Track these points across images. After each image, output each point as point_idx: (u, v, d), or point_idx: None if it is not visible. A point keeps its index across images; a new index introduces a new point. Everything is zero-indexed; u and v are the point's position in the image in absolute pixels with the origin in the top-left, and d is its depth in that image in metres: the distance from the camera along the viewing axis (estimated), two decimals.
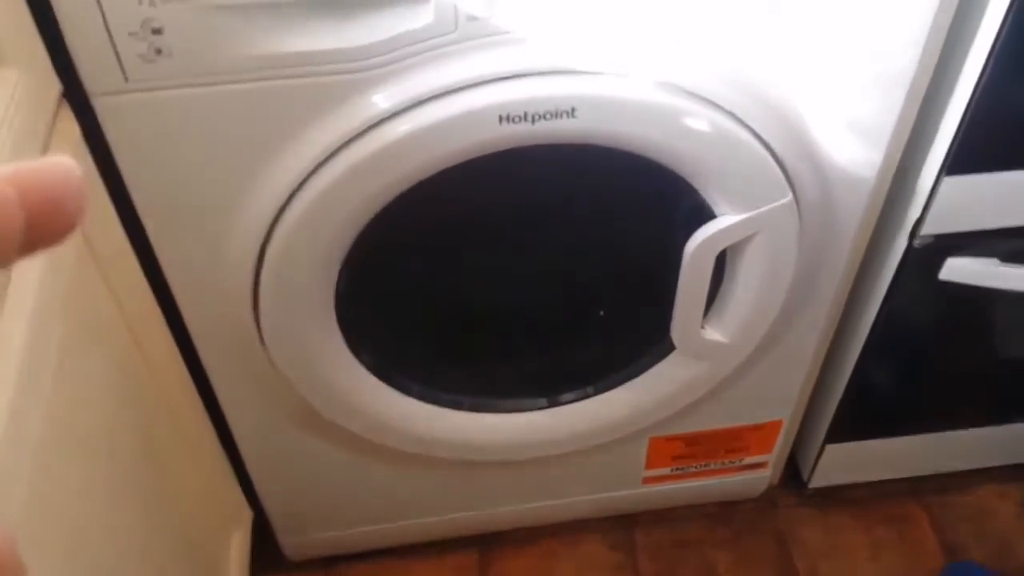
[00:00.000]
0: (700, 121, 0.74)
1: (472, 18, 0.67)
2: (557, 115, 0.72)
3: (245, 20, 0.64)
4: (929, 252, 0.95)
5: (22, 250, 0.20)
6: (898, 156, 0.86)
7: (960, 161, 0.86)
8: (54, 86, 0.64)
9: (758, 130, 0.77)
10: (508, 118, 0.71)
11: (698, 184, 0.81)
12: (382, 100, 0.69)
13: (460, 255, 0.87)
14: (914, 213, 0.92)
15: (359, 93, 0.69)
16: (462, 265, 0.88)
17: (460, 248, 0.86)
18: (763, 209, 0.82)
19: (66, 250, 0.62)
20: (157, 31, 0.63)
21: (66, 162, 0.20)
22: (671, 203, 0.83)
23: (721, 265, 0.89)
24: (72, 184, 0.20)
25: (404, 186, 0.74)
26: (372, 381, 0.92)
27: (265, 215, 0.74)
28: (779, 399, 1.10)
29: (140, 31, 0.63)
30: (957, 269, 0.97)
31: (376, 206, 0.75)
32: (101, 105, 0.67)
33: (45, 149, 0.61)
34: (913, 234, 0.93)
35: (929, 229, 0.93)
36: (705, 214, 0.84)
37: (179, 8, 0.62)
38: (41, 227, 0.20)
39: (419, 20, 0.66)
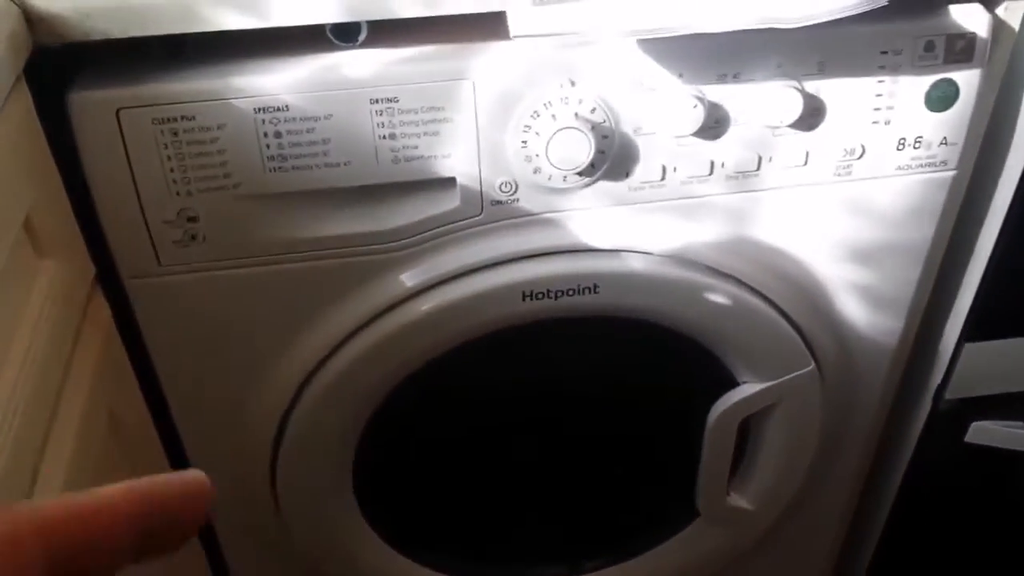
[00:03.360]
0: (720, 295, 0.75)
1: (496, 202, 0.68)
2: (579, 291, 0.73)
3: (278, 207, 0.66)
4: (954, 415, 0.94)
5: (132, 559, 0.20)
6: (917, 323, 0.86)
7: (980, 328, 0.86)
8: (89, 272, 0.66)
9: (779, 302, 0.78)
10: (531, 295, 0.72)
11: (720, 353, 0.81)
12: (409, 279, 0.71)
13: (481, 424, 0.87)
14: (936, 378, 0.91)
15: (387, 272, 0.70)
16: (483, 435, 0.88)
17: (481, 417, 0.86)
18: (785, 378, 0.82)
19: (96, 425, 0.62)
20: (193, 219, 0.65)
21: (194, 480, 0.21)
22: (694, 370, 0.83)
23: (746, 430, 0.88)
24: (192, 501, 0.21)
25: (427, 359, 0.75)
26: (388, 551, 0.90)
27: (288, 390, 0.75)
28: (806, 567, 1.07)
29: (176, 219, 0.65)
30: (983, 432, 0.96)
31: (399, 379, 0.76)
32: (133, 287, 0.68)
33: (78, 335, 0.62)
34: (937, 398, 0.93)
35: (953, 393, 0.92)
36: (728, 381, 0.84)
37: (214, 198, 0.64)
38: (155, 539, 0.20)
39: (447, 204, 0.68)
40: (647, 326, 0.78)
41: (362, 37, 0.63)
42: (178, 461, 0.81)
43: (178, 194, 0.64)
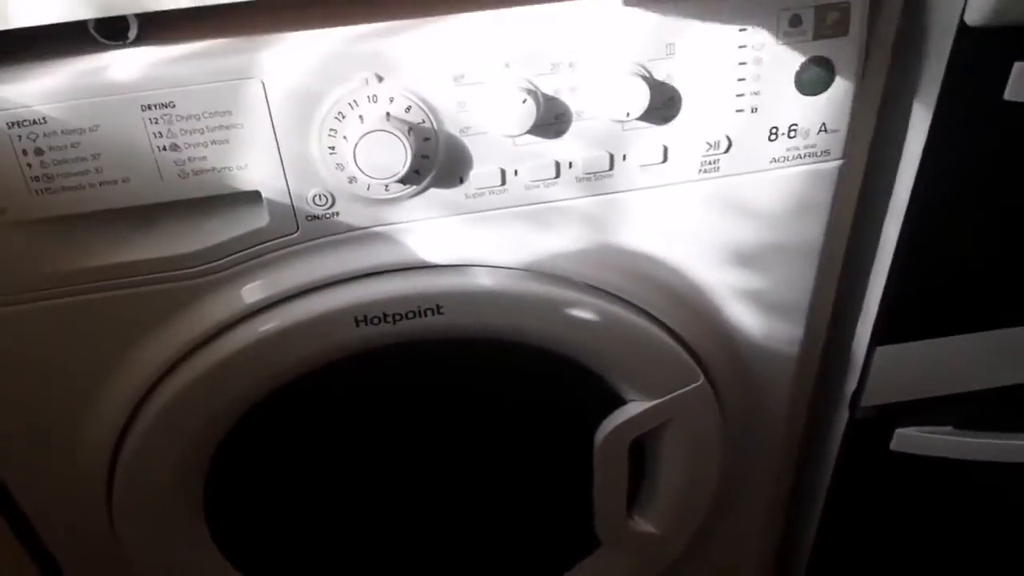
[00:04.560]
0: (584, 310, 0.67)
1: (312, 217, 0.60)
2: (421, 313, 0.65)
3: (58, 234, 0.58)
4: (875, 423, 0.86)
5: None
6: (823, 329, 0.78)
7: (891, 330, 0.78)
8: None
9: (656, 314, 0.70)
10: (366, 320, 0.64)
11: (599, 371, 0.73)
12: (220, 309, 0.62)
13: (345, 453, 0.79)
14: (851, 385, 0.84)
15: (194, 301, 0.63)
16: (349, 464, 0.80)
17: (344, 445, 0.78)
18: (674, 394, 0.74)
19: None
20: None
21: None
22: (576, 389, 0.75)
23: (644, 452, 0.80)
24: None
25: (258, 394, 0.67)
26: None
27: (107, 433, 0.67)
28: None
29: None
30: (908, 440, 0.88)
31: (231, 413, 0.68)
32: None
33: None
34: (853, 406, 0.85)
35: (870, 400, 0.84)
36: (614, 400, 0.76)
37: None
38: None
39: (254, 222, 0.60)
40: (519, 344, 0.70)
41: (132, 34, 0.55)
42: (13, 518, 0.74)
43: None
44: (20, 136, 0.54)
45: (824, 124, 0.63)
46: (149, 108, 0.54)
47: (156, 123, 0.55)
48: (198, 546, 0.77)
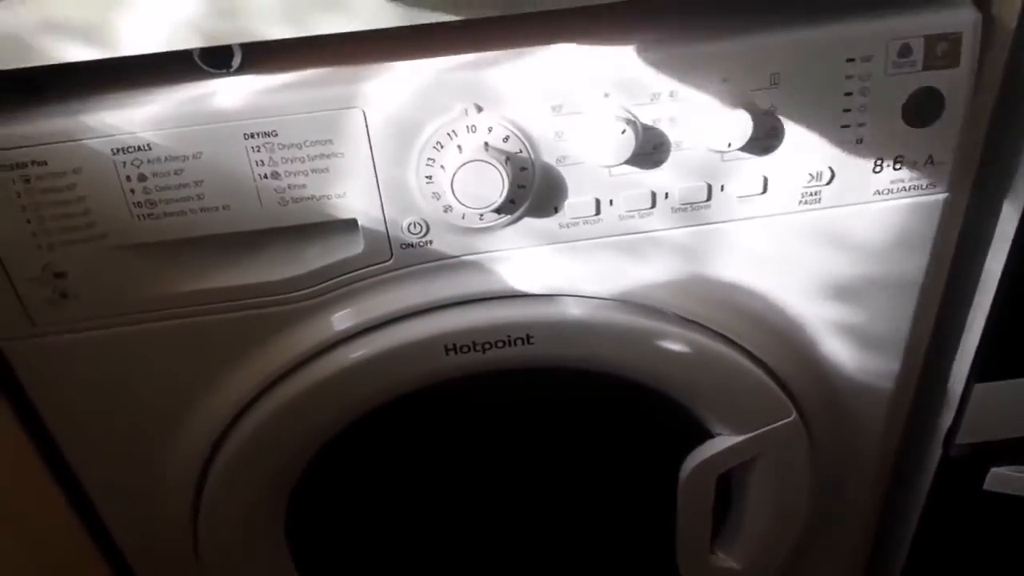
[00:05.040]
0: (675, 342, 0.66)
1: (407, 245, 0.60)
2: (510, 343, 0.64)
3: (157, 258, 0.59)
4: (969, 462, 0.83)
5: None
6: (919, 364, 0.76)
7: (991, 367, 0.75)
8: None
9: (749, 347, 0.68)
10: (455, 348, 0.64)
11: (688, 403, 0.72)
12: (313, 335, 0.63)
13: (428, 478, 0.78)
14: (946, 422, 0.81)
15: (288, 327, 0.63)
16: (432, 489, 0.79)
17: (427, 471, 0.77)
18: (764, 429, 0.72)
19: None
20: (60, 275, 0.58)
21: None
22: (664, 422, 0.74)
23: (730, 485, 0.78)
24: None
25: (347, 419, 0.67)
26: None
27: (201, 449, 0.67)
28: None
29: (41, 276, 0.58)
30: (1003, 480, 0.85)
31: (319, 437, 0.68)
32: (11, 351, 0.61)
33: None
34: (948, 444, 0.82)
35: (965, 438, 0.81)
36: (701, 433, 0.74)
37: (81, 250, 0.57)
38: None
39: (350, 249, 0.60)
40: (605, 375, 0.69)
41: (236, 62, 0.55)
42: (94, 526, 0.75)
43: (40, 248, 0.57)
44: (124, 162, 0.54)
45: (931, 156, 0.61)
46: (252, 136, 0.54)
47: (258, 151, 0.55)
48: (279, 569, 0.77)
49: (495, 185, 0.56)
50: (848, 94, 0.58)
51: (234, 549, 0.74)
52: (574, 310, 0.64)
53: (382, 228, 0.59)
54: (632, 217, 0.61)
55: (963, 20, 0.57)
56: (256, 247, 0.60)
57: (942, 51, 0.58)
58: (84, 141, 0.53)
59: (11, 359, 0.62)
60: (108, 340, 0.62)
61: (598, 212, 0.61)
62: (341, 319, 0.63)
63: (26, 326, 0.60)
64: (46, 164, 0.54)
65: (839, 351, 0.72)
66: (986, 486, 0.85)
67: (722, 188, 0.61)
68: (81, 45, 0.50)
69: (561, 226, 0.61)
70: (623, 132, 0.56)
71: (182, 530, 0.73)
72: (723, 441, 0.73)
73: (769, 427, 0.72)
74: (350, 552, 0.81)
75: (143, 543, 0.76)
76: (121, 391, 0.65)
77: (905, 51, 0.57)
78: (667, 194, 0.60)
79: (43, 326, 0.60)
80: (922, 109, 0.59)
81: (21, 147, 0.53)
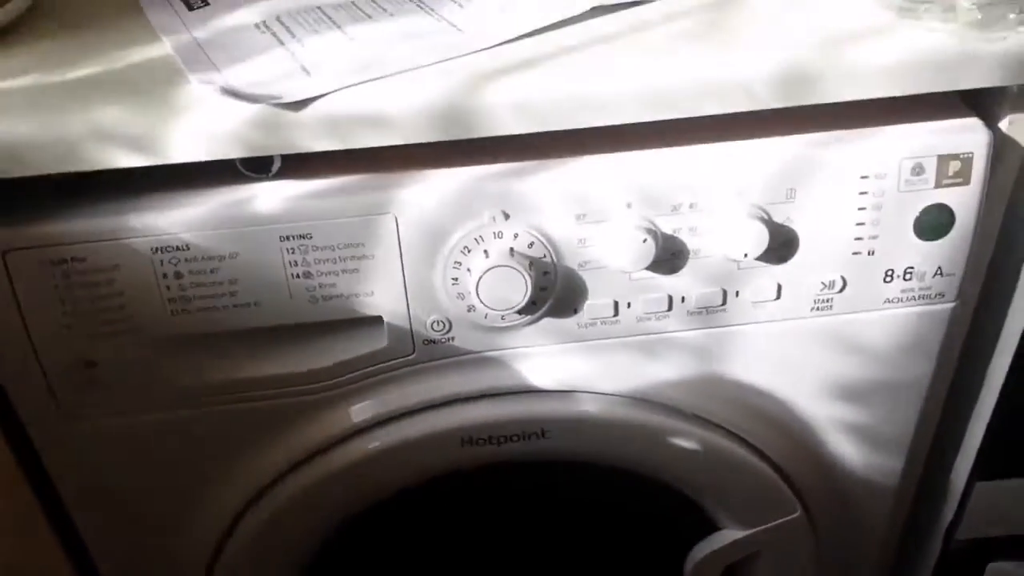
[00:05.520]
0: (687, 439, 0.67)
1: (429, 341, 0.62)
2: (525, 437, 0.65)
3: (186, 350, 0.60)
4: (968, 557, 0.85)
5: None
6: (922, 462, 0.77)
7: (992, 466, 0.77)
8: None
9: (758, 444, 0.70)
10: (471, 440, 0.65)
11: (696, 497, 0.73)
12: (334, 425, 0.64)
13: (436, 565, 0.79)
14: (947, 518, 0.82)
15: (310, 417, 0.64)
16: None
17: (438, 563, 0.78)
18: (770, 525, 0.73)
19: None
20: (91, 364, 0.59)
21: None
22: (669, 514, 0.75)
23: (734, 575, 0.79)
24: None
25: (361, 506, 0.68)
26: None
27: (210, 540, 0.68)
28: None
29: (73, 365, 0.59)
30: (1000, 573, 0.86)
31: (332, 522, 0.69)
32: (35, 435, 0.63)
33: None
34: (948, 539, 0.83)
35: (965, 534, 0.82)
36: (708, 526, 0.76)
37: (114, 342, 0.58)
38: None
39: (374, 344, 0.62)
40: (615, 468, 0.70)
41: (275, 168, 0.57)
42: None
43: (74, 339, 0.58)
44: (163, 260, 0.56)
45: (940, 268, 0.63)
46: (287, 239, 0.56)
47: (292, 252, 0.57)
48: None
49: (519, 288, 0.58)
50: (862, 209, 0.60)
51: None
52: (588, 406, 0.66)
53: (406, 325, 0.61)
54: (649, 319, 0.63)
55: (975, 141, 0.59)
56: (282, 340, 0.62)
57: (954, 170, 0.60)
58: (125, 240, 0.55)
59: (34, 439, 0.63)
60: (131, 426, 0.63)
61: (616, 314, 0.62)
62: (362, 410, 0.64)
63: (52, 412, 0.61)
64: (86, 260, 0.56)
65: (845, 450, 0.73)
66: None
67: (737, 294, 0.63)
68: (128, 152, 0.52)
69: (580, 326, 0.63)
70: (644, 241, 0.58)
71: None
72: (729, 535, 0.75)
73: (775, 523, 0.73)
74: None
75: None
76: (139, 475, 0.66)
77: (918, 170, 0.60)
78: (683, 298, 0.62)
79: (69, 412, 0.61)
80: (933, 224, 0.61)
81: (63, 244, 0.55)
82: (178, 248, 0.56)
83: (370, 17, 0.61)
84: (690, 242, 0.60)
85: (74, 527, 0.70)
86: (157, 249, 0.56)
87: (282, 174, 0.57)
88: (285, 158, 0.57)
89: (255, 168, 0.56)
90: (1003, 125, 0.62)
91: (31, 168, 0.52)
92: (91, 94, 0.53)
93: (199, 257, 0.56)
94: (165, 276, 0.57)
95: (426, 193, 0.57)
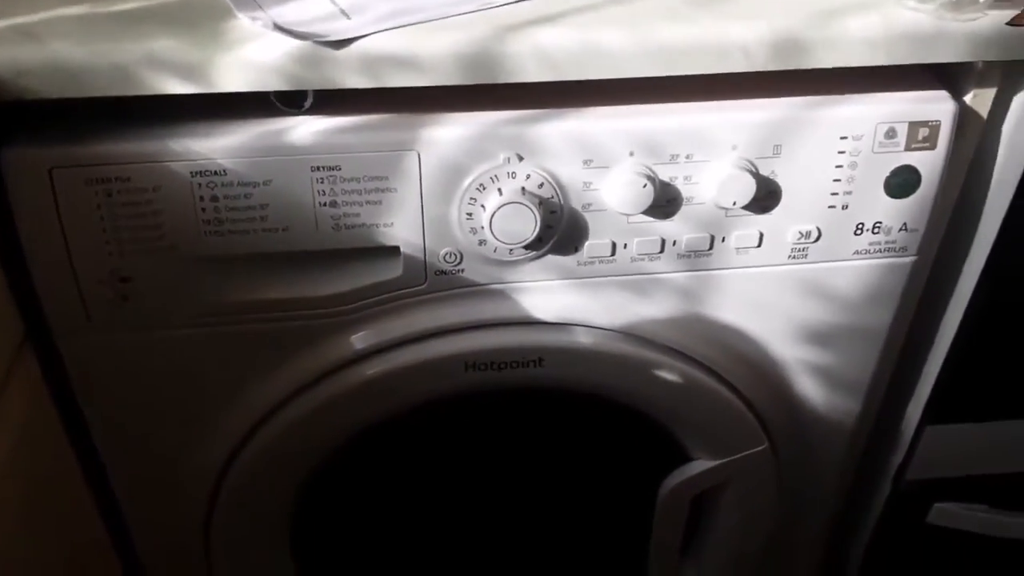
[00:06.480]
0: (670, 373, 0.73)
1: (441, 272, 0.67)
2: (524, 364, 0.71)
3: (215, 270, 0.65)
4: (915, 496, 0.92)
5: None
6: (877, 404, 0.84)
7: (941, 411, 0.84)
8: (17, 329, 0.64)
9: (732, 381, 0.76)
10: (474, 365, 0.70)
11: (672, 428, 0.80)
12: (348, 346, 0.69)
13: (424, 493, 0.85)
14: (897, 459, 0.89)
15: (326, 338, 0.69)
16: (426, 503, 0.86)
17: (424, 485, 0.84)
18: (738, 456, 0.80)
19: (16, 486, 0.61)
20: (125, 279, 0.63)
21: None
22: (646, 444, 0.82)
23: (701, 503, 0.86)
24: None
25: (366, 425, 0.73)
26: None
27: (223, 451, 0.73)
28: None
29: (107, 279, 0.63)
30: (945, 514, 0.94)
31: (337, 443, 0.74)
32: (64, 345, 0.66)
33: (3, 388, 0.60)
34: (897, 479, 0.91)
35: (914, 474, 0.90)
36: (680, 456, 0.82)
37: (148, 259, 0.62)
38: None
39: (389, 273, 0.67)
40: (598, 399, 0.76)
41: (308, 104, 0.61)
42: (111, 518, 0.80)
43: (111, 254, 0.62)
44: (201, 184, 0.60)
45: (905, 224, 0.70)
46: (318, 169, 0.61)
47: (322, 182, 0.61)
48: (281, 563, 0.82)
49: (528, 224, 0.63)
50: (839, 166, 0.67)
51: (243, 558, 0.79)
52: (583, 338, 0.72)
53: (421, 256, 0.66)
54: (642, 260, 0.69)
55: (943, 110, 0.66)
56: (304, 265, 0.66)
57: (923, 136, 0.66)
58: (167, 163, 0.59)
59: (63, 351, 0.67)
60: (156, 342, 0.67)
61: (613, 253, 0.68)
62: (374, 333, 0.69)
63: (83, 324, 0.65)
64: (129, 180, 0.60)
65: (810, 390, 0.80)
66: (929, 519, 0.94)
67: (723, 240, 0.69)
68: (179, 80, 0.56)
69: (579, 264, 0.68)
70: (644, 186, 0.64)
71: (195, 537, 0.78)
72: (701, 464, 0.81)
73: (742, 454, 0.80)
74: (353, 565, 0.87)
75: (159, 547, 0.81)
76: (158, 391, 0.70)
77: (891, 133, 0.66)
78: (675, 242, 0.68)
79: (99, 324, 0.65)
80: (902, 183, 0.68)
81: (108, 164, 0.59)
82: (216, 173, 0.60)
83: None
84: (684, 190, 0.66)
85: (91, 442, 0.74)
86: (196, 173, 0.60)
87: (313, 110, 0.62)
88: (317, 95, 0.61)
89: (290, 103, 0.61)
90: (968, 98, 0.68)
91: (86, 90, 0.56)
92: (142, 25, 0.57)
93: (235, 183, 0.61)
94: (202, 199, 0.61)
95: (448, 133, 0.62)
